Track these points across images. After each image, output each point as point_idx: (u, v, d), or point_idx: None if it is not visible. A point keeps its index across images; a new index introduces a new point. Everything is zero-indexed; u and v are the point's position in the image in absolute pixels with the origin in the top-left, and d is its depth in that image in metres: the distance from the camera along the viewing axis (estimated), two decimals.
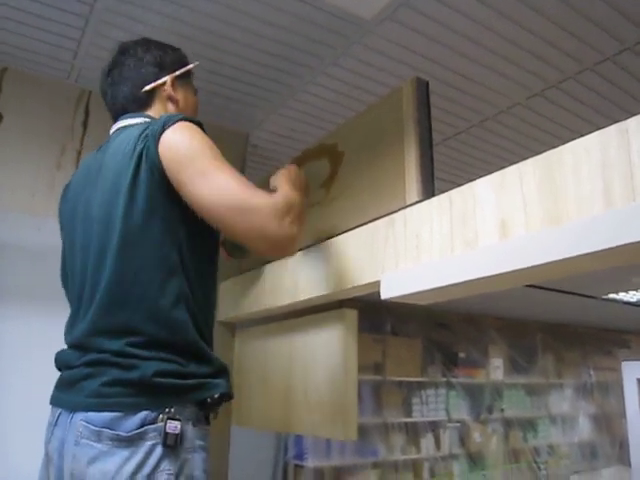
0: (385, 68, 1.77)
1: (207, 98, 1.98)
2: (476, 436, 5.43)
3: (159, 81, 1.23)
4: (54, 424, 1.08)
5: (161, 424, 1.01)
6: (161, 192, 1.06)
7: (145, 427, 1.00)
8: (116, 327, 1.06)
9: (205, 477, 1.07)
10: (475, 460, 5.40)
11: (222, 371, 1.15)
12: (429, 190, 1.23)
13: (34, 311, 1.82)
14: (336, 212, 1.52)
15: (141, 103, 1.23)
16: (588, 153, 0.84)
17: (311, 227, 1.64)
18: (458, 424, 5.36)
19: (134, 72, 1.23)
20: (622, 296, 5.10)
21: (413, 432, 5.07)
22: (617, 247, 0.78)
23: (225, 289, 1.94)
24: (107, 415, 1.00)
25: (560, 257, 0.83)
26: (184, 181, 1.04)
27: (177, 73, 1.26)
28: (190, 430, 1.05)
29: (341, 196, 1.52)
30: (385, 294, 1.12)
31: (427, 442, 5.13)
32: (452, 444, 5.29)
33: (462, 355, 5.51)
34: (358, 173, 1.47)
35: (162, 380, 1.03)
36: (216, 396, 1.09)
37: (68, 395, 1.08)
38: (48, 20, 1.61)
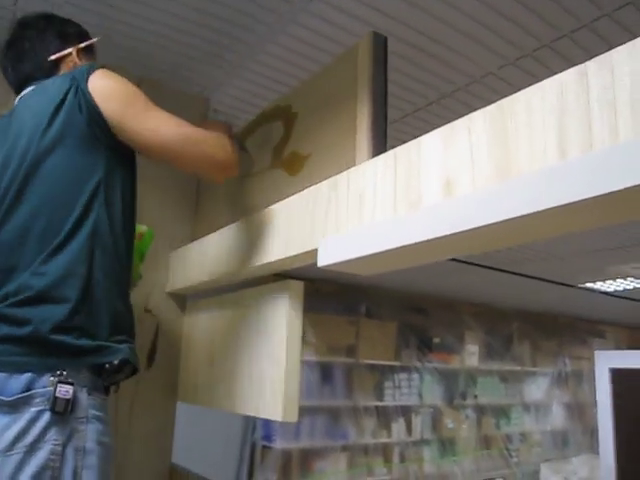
0: (348, 28, 1.64)
1: (164, 58, 1.85)
2: (448, 422, 5.40)
3: (64, 52, 1.22)
4: None
5: (50, 388, 0.92)
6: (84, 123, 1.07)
7: (32, 391, 0.92)
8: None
9: (100, 449, 0.97)
10: (446, 446, 5.38)
11: (127, 336, 1.07)
12: (381, 150, 1.12)
13: None
14: (284, 177, 1.41)
15: (48, 72, 1.20)
16: (543, 99, 0.74)
17: (259, 192, 1.54)
18: (431, 409, 5.32)
19: (38, 44, 1.21)
20: (599, 285, 5.07)
21: (384, 416, 5.03)
22: (572, 204, 0.68)
23: (174, 259, 1.83)
24: None
25: (507, 216, 0.73)
26: (127, 118, 1.09)
27: (82, 45, 1.26)
28: (84, 398, 0.97)
29: (291, 159, 1.40)
30: (322, 261, 1.01)
31: (398, 427, 5.09)
32: (424, 429, 5.25)
33: (437, 340, 5.46)
34: (310, 134, 1.36)
35: (56, 337, 0.95)
36: (115, 362, 1.00)
37: None
38: None
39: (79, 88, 1.07)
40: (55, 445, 0.92)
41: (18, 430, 0.90)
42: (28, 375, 0.93)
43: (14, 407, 0.91)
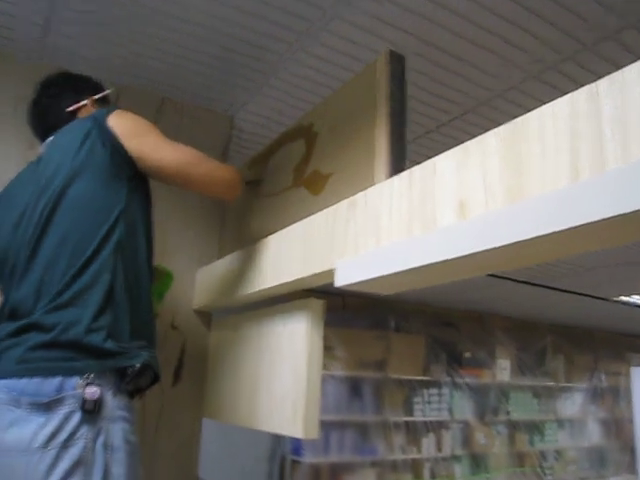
0: (369, 46, 1.66)
1: (188, 79, 1.89)
2: (480, 437, 5.31)
3: (80, 103, 1.38)
4: None
5: (79, 390, 1.01)
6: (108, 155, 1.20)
7: (63, 393, 1.00)
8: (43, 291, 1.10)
9: (127, 448, 1.06)
10: (478, 462, 5.28)
11: (148, 343, 1.18)
12: (399, 169, 1.13)
13: None
14: (306, 196, 1.42)
15: (67, 122, 1.32)
16: (555, 120, 0.73)
17: (283, 211, 1.55)
18: (461, 425, 5.24)
19: (57, 99, 1.38)
20: (635, 299, 4.95)
21: (414, 431, 4.97)
22: (584, 225, 0.67)
23: (200, 276, 1.86)
24: (26, 381, 1.01)
25: (519, 238, 0.73)
26: (145, 148, 1.23)
27: (96, 97, 1.42)
28: (110, 399, 1.05)
29: (313, 178, 1.42)
30: (339, 282, 1.02)
31: (428, 442, 5.03)
32: (454, 445, 5.18)
33: (467, 355, 5.39)
34: (331, 153, 1.37)
35: (84, 339, 1.05)
36: (137, 366, 1.09)
37: None
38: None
39: (101, 125, 1.20)
40: (87, 442, 0.99)
41: (53, 428, 0.98)
42: (59, 379, 1.01)
43: (48, 408, 0.99)
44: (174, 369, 1.81)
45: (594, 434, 6.10)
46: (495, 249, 0.77)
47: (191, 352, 1.85)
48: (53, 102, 1.38)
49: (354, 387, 4.65)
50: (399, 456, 4.81)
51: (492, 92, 1.85)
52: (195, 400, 1.83)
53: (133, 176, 1.23)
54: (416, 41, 1.64)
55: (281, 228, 1.39)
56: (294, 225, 1.30)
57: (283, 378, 1.36)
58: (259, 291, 1.44)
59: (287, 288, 1.37)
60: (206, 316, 1.90)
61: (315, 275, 1.18)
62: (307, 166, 1.48)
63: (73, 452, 0.98)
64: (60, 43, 1.75)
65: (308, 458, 4.34)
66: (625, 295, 4.78)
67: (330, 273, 1.10)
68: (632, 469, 5.70)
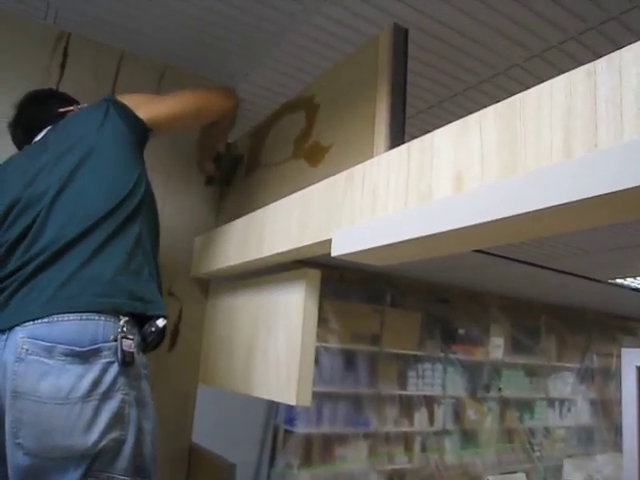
0: (372, 19, 1.65)
1: (190, 47, 1.88)
2: (471, 413, 5.39)
3: (69, 107, 1.44)
4: None
5: (115, 343, 1.02)
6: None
7: (99, 344, 1.01)
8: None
9: (151, 404, 1.09)
10: (468, 437, 5.38)
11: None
12: (399, 142, 1.14)
13: None
14: (305, 167, 1.43)
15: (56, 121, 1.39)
16: (552, 98, 0.75)
17: (280, 182, 1.57)
18: (453, 400, 5.32)
19: (44, 105, 1.46)
20: (629, 282, 4.98)
21: (407, 405, 5.05)
22: (576, 202, 0.69)
23: (198, 244, 1.88)
24: (59, 329, 1.00)
25: (514, 212, 0.74)
26: (155, 107, 1.38)
27: (80, 105, 1.47)
28: (137, 356, 1.07)
29: (313, 150, 1.43)
30: (335, 251, 1.04)
31: (420, 416, 5.11)
32: (446, 420, 5.26)
33: (462, 331, 5.44)
34: (331, 125, 1.38)
35: (117, 278, 1.08)
36: (160, 326, 1.14)
37: (2, 316, 1.07)
38: None
39: (115, 102, 1.31)
40: (124, 395, 1.01)
41: (92, 379, 0.99)
42: (95, 328, 1.02)
43: (85, 358, 0.99)
44: (170, 335, 1.83)
45: (583, 413, 6.20)
46: (490, 222, 0.78)
47: (187, 318, 1.88)
48: (41, 107, 1.46)
49: (349, 360, 4.70)
50: (391, 429, 4.89)
51: (494, 69, 1.85)
52: (190, 366, 1.86)
53: (143, 146, 1.34)
54: (419, 15, 1.63)
55: (279, 198, 1.41)
56: (292, 195, 1.32)
57: (278, 346, 1.39)
58: (256, 260, 1.46)
59: (284, 257, 1.39)
60: (203, 283, 1.92)
61: (312, 245, 1.19)
62: (307, 137, 1.49)
63: (112, 404, 1.00)
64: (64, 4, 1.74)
65: (301, 428, 4.41)
66: (620, 277, 4.81)
67: (326, 243, 1.12)
68: (618, 447, 5.79)
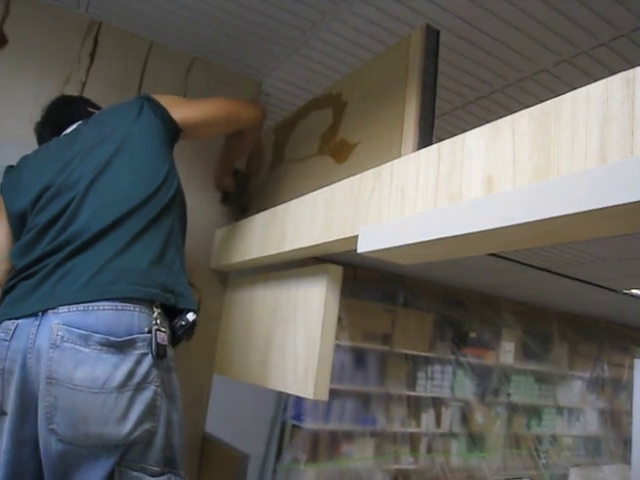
0: (402, 19, 1.65)
1: (218, 40, 1.90)
2: (479, 417, 5.37)
3: (97, 111, 1.47)
4: (9, 339, 1.06)
5: (149, 335, 1.03)
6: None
7: (134, 335, 1.02)
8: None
9: (180, 397, 1.12)
10: (475, 441, 5.36)
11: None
12: (427, 143, 1.14)
13: None
14: (330, 164, 1.44)
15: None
16: (588, 103, 0.75)
17: (305, 178, 1.58)
18: (461, 403, 5.31)
19: (72, 105, 1.51)
20: None
21: (415, 406, 5.04)
22: (610, 208, 0.69)
23: (218, 236, 1.90)
24: (94, 317, 1.01)
25: (545, 216, 0.75)
26: (188, 110, 1.38)
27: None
28: (169, 350, 1.09)
29: (339, 147, 1.44)
30: (361, 248, 1.04)
31: (428, 417, 5.10)
32: (453, 422, 5.25)
33: (473, 335, 5.42)
34: (359, 123, 1.38)
35: (151, 270, 1.10)
36: (191, 320, 1.15)
37: (33, 298, 1.07)
38: None
39: (150, 99, 1.33)
40: (156, 386, 1.03)
41: (127, 370, 1.00)
42: (130, 319, 1.03)
43: (120, 348, 1.00)
44: None
45: (591, 423, 6.16)
46: (520, 225, 0.79)
47: (205, 310, 1.89)
48: (71, 105, 1.50)
49: (359, 358, 4.71)
50: (398, 429, 4.88)
51: (522, 73, 1.85)
52: (207, 356, 1.88)
53: (173, 143, 1.36)
54: (450, 16, 1.63)
55: (302, 194, 1.42)
56: (318, 191, 1.33)
57: (297, 340, 1.40)
58: (277, 254, 1.47)
59: (306, 253, 1.40)
60: (222, 275, 1.94)
61: (336, 241, 1.20)
62: (334, 134, 1.50)
63: (146, 396, 1.01)
64: None
65: (308, 424, 4.43)
66: (636, 288, 4.77)
67: (352, 240, 1.13)
68: (625, 459, 5.75)
